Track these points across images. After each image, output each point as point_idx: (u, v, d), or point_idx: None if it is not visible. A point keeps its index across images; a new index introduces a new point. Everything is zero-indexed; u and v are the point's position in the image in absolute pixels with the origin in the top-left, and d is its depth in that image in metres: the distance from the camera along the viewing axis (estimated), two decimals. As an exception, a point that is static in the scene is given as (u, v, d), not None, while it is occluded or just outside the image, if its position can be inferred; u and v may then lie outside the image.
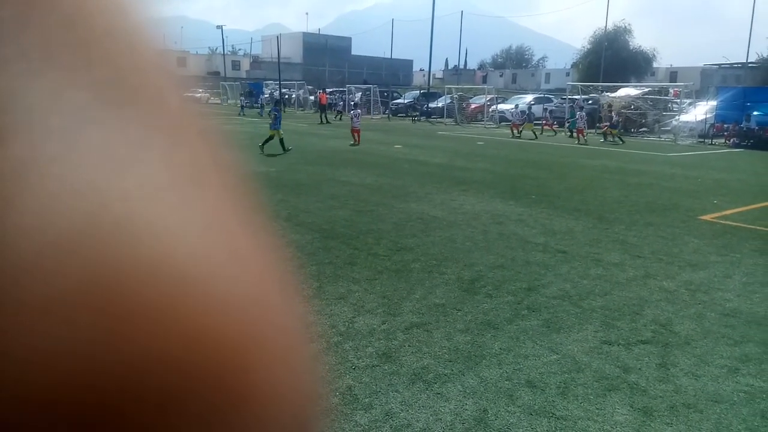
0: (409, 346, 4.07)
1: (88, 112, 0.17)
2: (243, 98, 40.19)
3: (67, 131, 0.16)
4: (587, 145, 21.21)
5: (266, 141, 14.91)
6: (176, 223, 0.17)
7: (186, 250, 0.16)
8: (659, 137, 25.36)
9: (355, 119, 18.83)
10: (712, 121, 24.29)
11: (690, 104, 25.89)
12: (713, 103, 25.46)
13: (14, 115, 0.15)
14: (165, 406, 0.15)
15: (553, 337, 4.27)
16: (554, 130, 25.85)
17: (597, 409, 3.35)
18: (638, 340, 4.26)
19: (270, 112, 16.13)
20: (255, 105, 39.56)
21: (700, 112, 25.04)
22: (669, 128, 25.66)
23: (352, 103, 30.33)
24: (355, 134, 18.38)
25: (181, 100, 0.20)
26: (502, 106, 33.00)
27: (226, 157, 0.21)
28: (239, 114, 34.64)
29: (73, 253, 0.15)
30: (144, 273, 0.15)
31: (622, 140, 22.40)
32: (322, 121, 30.20)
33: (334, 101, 37.72)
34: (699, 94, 28.75)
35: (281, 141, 15.06)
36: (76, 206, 0.15)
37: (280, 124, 15.22)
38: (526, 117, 24.31)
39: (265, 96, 42.09)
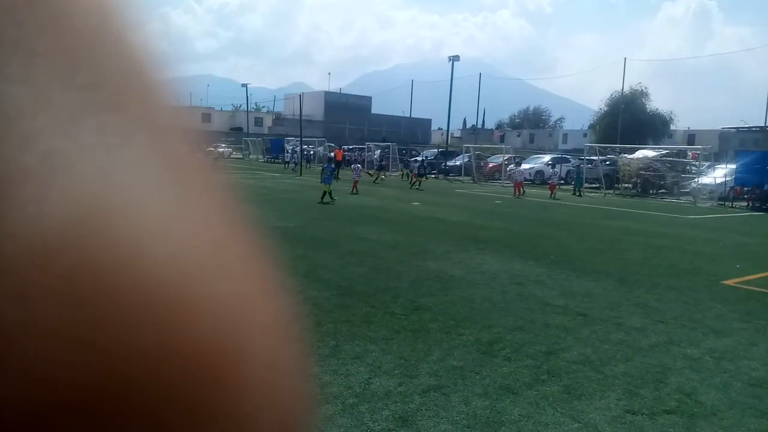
0: (426, 410, 3.99)
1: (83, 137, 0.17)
2: (298, 155, 36.50)
3: (58, 154, 0.16)
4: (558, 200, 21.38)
5: (324, 195, 17.43)
6: (162, 236, 0.17)
7: (179, 266, 0.17)
8: (678, 199, 25.35)
9: (354, 172, 23.00)
10: (732, 184, 24.22)
11: (709, 167, 25.93)
12: (732, 166, 25.44)
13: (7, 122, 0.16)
14: (154, 409, 0.16)
15: (575, 404, 4.17)
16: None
17: (621, 482, 3.23)
18: (663, 409, 4.13)
19: (324, 168, 18.64)
20: (289, 162, 37.18)
21: (719, 174, 25.03)
22: (688, 190, 25.65)
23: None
24: (356, 184, 22.11)
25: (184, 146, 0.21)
26: (525, 166, 32.85)
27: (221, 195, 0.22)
28: (293, 171, 33.48)
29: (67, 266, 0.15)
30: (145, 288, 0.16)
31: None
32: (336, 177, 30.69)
33: (351, 158, 38.32)
34: (717, 157, 28.79)
35: (330, 193, 17.64)
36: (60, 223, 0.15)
37: (330, 179, 18.01)
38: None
39: (288, 152, 42.52)
